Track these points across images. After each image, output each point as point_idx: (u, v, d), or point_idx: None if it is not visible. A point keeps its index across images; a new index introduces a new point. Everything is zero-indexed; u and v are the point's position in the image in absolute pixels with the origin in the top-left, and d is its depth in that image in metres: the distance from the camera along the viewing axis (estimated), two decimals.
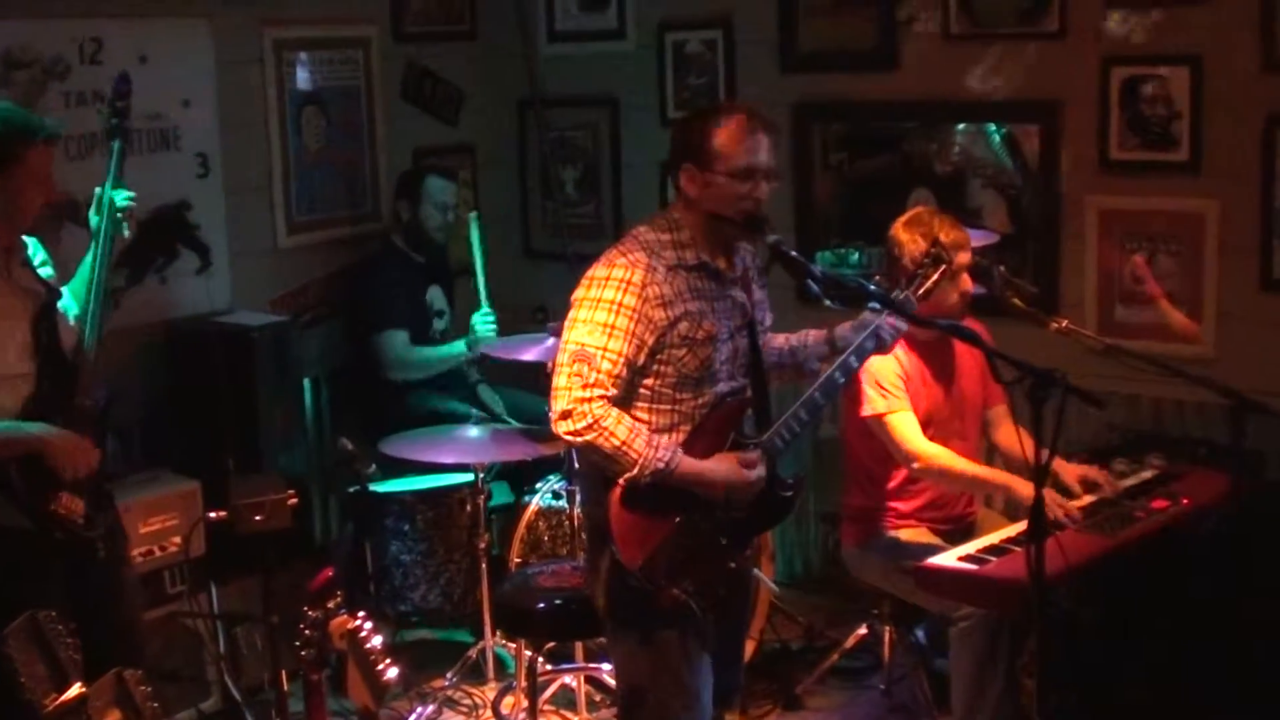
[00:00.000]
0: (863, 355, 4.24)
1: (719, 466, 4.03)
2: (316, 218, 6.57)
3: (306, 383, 6.30)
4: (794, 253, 4.03)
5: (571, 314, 4.01)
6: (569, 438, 3.93)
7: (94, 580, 4.52)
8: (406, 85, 6.96)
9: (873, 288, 4.20)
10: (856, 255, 6.44)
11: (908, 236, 4.87)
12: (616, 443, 3.88)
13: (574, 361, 3.93)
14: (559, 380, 3.95)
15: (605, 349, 3.91)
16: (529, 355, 5.74)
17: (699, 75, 6.77)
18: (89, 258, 4.65)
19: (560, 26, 7.21)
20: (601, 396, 3.90)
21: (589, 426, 3.88)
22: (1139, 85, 5.63)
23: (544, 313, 6.15)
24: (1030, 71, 5.89)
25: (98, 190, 4.64)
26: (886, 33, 6.20)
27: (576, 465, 5.36)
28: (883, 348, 4.29)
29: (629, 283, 3.94)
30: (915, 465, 4.88)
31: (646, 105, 6.94)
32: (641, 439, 3.91)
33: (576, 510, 5.51)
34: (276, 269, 6.43)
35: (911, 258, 4.70)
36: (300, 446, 6.08)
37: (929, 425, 4.97)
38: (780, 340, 4.42)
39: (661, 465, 3.91)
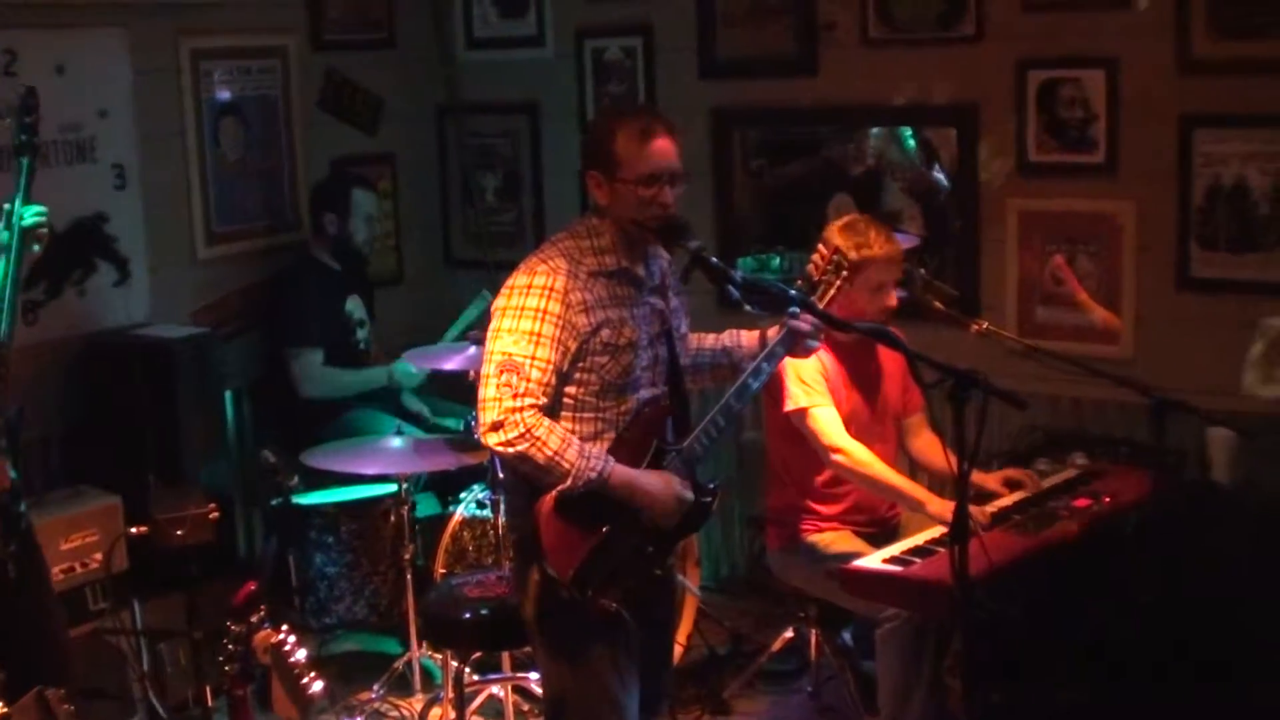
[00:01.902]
0: (774, 359, 4.24)
1: (655, 479, 4.01)
2: (236, 228, 6.51)
3: (228, 395, 6.24)
4: (714, 259, 4.02)
5: (494, 324, 3.99)
6: (500, 449, 3.90)
7: (8, 601, 4.45)
8: (325, 94, 6.92)
9: (793, 292, 4.20)
10: (778, 260, 6.47)
11: (839, 242, 4.84)
12: (549, 453, 3.86)
13: (501, 371, 3.89)
14: (487, 391, 3.91)
15: (534, 357, 3.89)
16: (450, 364, 5.72)
17: (619, 82, 6.76)
18: None
19: (479, 34, 7.19)
20: (533, 406, 3.87)
21: (521, 436, 3.85)
22: (1056, 88, 5.69)
23: None
24: (947, 75, 5.93)
25: (6, 206, 4.58)
26: (804, 39, 6.22)
27: (501, 475, 5.35)
28: (803, 350, 4.29)
29: (551, 289, 3.93)
30: (836, 459, 4.88)
31: (566, 112, 6.92)
32: (573, 449, 3.88)
33: (501, 520, 5.49)
34: (196, 280, 6.37)
35: (815, 265, 4.62)
36: (222, 460, 6.03)
37: (850, 425, 4.98)
38: (711, 340, 4.42)
39: (593, 475, 3.89)
